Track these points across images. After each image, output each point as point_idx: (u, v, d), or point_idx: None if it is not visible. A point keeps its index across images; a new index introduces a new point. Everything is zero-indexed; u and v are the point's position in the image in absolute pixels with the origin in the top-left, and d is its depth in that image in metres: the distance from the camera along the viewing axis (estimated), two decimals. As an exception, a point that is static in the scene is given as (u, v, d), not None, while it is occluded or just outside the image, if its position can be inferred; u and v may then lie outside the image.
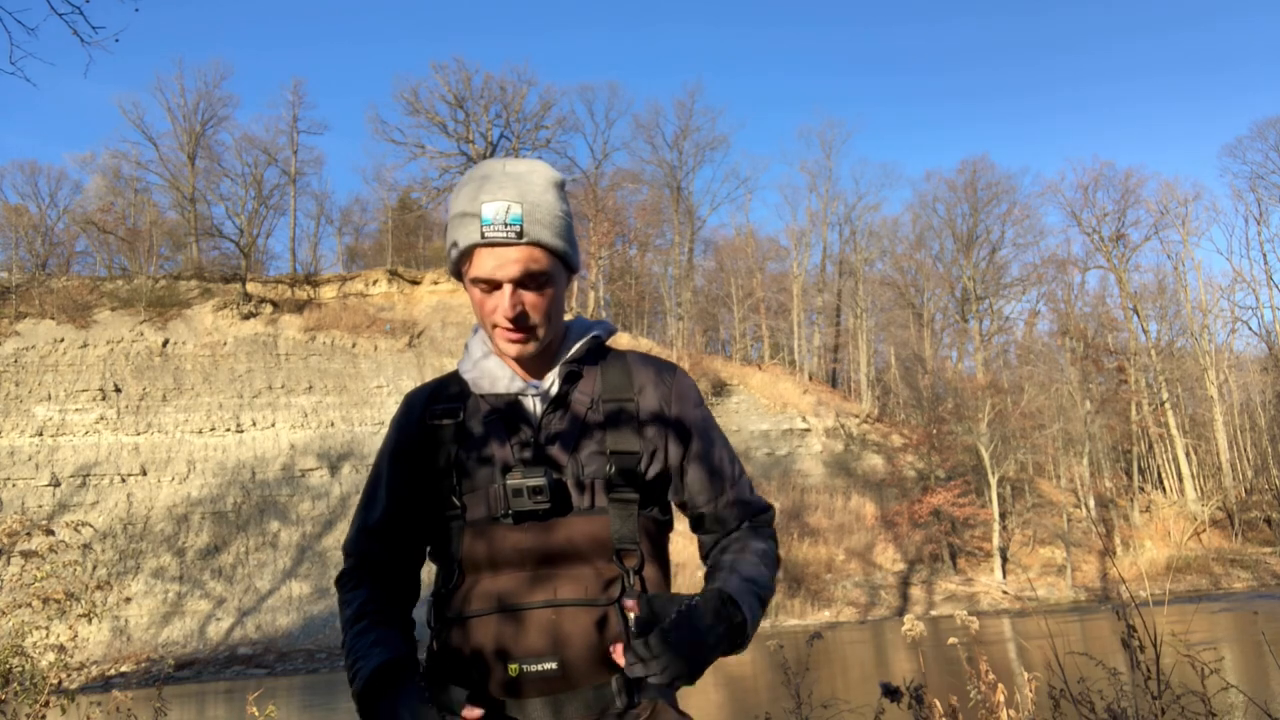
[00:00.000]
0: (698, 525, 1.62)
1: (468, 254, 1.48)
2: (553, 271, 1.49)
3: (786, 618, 31.39)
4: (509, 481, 1.43)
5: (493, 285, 1.47)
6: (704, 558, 1.63)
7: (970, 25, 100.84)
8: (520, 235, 1.44)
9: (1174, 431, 44.26)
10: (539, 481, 1.42)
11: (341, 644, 1.55)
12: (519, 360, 1.54)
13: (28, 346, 34.77)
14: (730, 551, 1.57)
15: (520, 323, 1.48)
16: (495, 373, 1.55)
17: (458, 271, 1.55)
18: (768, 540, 1.59)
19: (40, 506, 30.31)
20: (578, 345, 1.57)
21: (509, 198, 1.45)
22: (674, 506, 1.63)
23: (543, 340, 1.52)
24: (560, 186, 1.52)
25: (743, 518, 1.60)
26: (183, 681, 25.69)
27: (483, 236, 1.44)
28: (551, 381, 1.54)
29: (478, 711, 1.37)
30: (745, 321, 51.91)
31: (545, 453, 1.49)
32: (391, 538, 1.58)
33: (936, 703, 3.23)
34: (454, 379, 1.62)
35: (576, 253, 1.58)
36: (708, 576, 1.54)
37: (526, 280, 1.47)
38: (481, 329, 1.62)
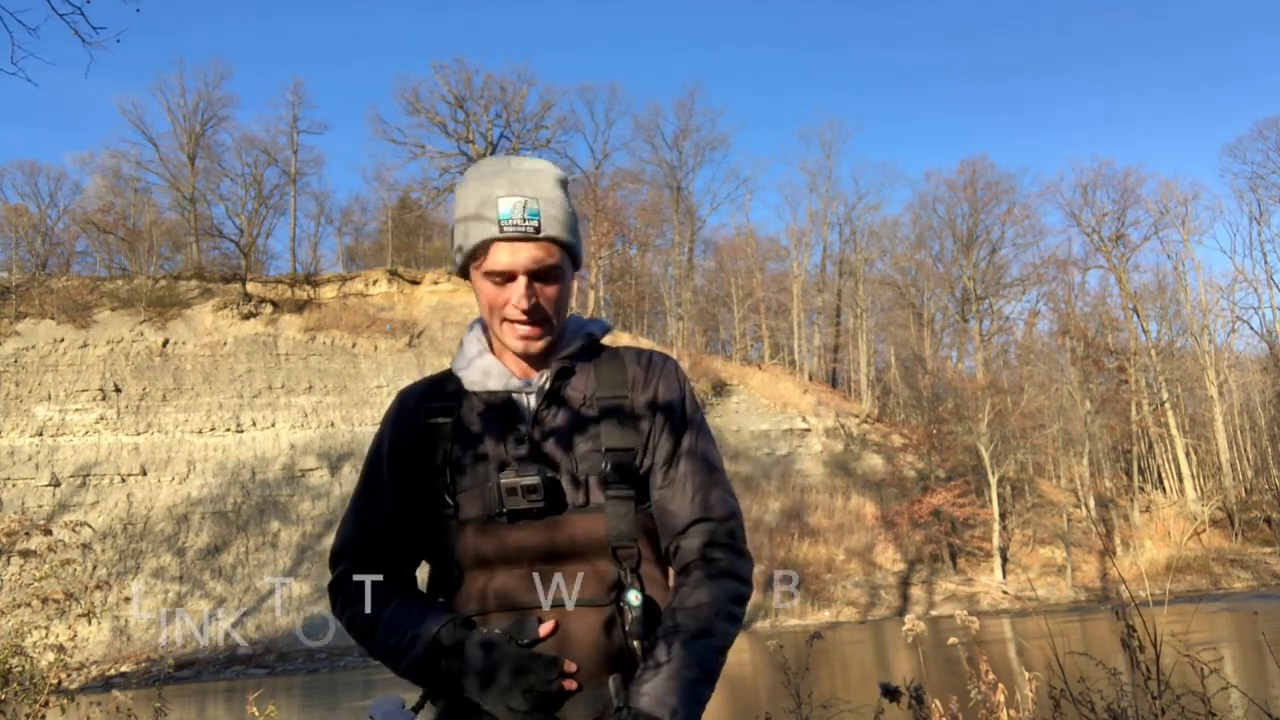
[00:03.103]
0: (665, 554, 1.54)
1: (484, 248, 1.48)
2: (563, 266, 1.52)
3: (786, 618, 31.39)
4: (503, 480, 1.43)
5: (507, 278, 1.48)
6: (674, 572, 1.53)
7: (969, 25, 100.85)
8: (538, 231, 1.46)
9: (1174, 431, 44.24)
10: (533, 481, 1.41)
11: (368, 633, 1.49)
12: (526, 356, 1.53)
13: (28, 346, 34.76)
14: (677, 615, 1.42)
15: (534, 314, 1.49)
16: (489, 369, 1.55)
17: (465, 267, 1.55)
18: (721, 580, 1.46)
19: (40, 506, 30.29)
20: (573, 342, 1.57)
21: (525, 194, 1.47)
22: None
23: (551, 335, 1.52)
24: (565, 184, 1.55)
25: (703, 542, 1.50)
26: (183, 681, 25.66)
27: (501, 230, 1.46)
28: (545, 378, 1.53)
29: (550, 624, 1.39)
30: (745, 321, 51.91)
31: (540, 450, 1.49)
32: (393, 539, 1.54)
33: (937, 703, 3.23)
34: (448, 377, 1.62)
35: (582, 248, 1.61)
36: (652, 644, 1.40)
37: (541, 273, 1.49)
38: (479, 327, 1.63)
